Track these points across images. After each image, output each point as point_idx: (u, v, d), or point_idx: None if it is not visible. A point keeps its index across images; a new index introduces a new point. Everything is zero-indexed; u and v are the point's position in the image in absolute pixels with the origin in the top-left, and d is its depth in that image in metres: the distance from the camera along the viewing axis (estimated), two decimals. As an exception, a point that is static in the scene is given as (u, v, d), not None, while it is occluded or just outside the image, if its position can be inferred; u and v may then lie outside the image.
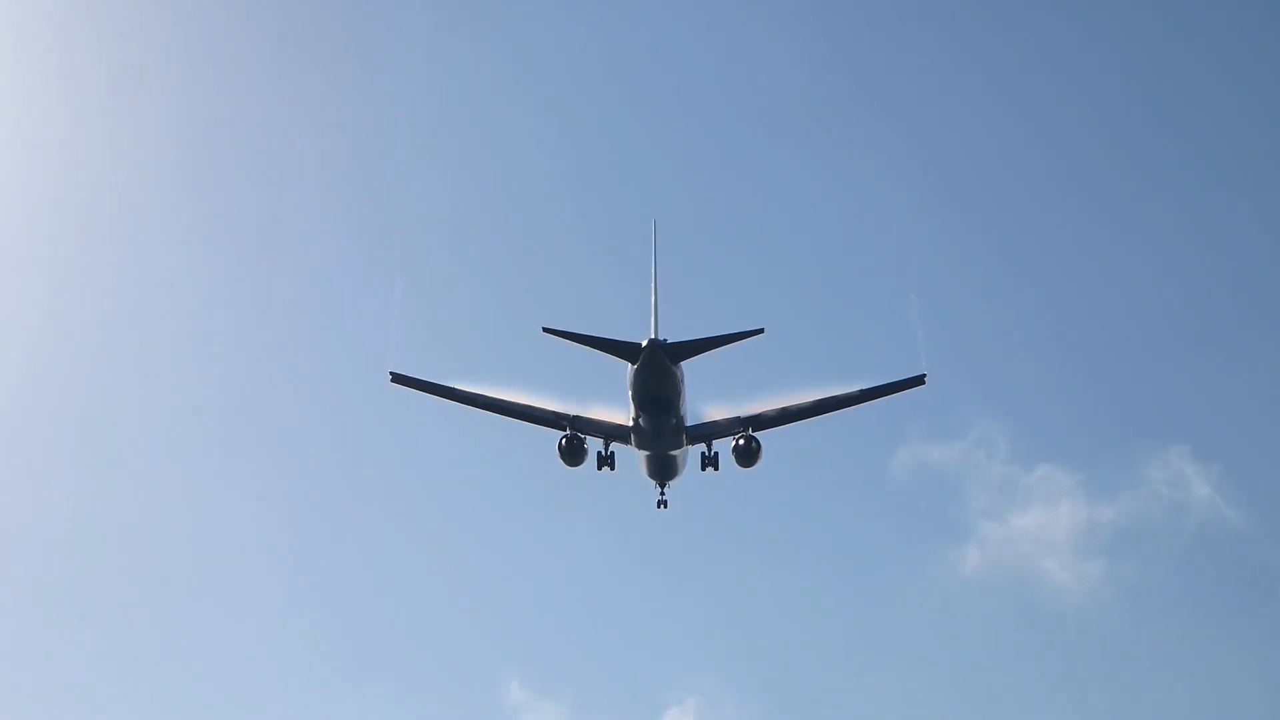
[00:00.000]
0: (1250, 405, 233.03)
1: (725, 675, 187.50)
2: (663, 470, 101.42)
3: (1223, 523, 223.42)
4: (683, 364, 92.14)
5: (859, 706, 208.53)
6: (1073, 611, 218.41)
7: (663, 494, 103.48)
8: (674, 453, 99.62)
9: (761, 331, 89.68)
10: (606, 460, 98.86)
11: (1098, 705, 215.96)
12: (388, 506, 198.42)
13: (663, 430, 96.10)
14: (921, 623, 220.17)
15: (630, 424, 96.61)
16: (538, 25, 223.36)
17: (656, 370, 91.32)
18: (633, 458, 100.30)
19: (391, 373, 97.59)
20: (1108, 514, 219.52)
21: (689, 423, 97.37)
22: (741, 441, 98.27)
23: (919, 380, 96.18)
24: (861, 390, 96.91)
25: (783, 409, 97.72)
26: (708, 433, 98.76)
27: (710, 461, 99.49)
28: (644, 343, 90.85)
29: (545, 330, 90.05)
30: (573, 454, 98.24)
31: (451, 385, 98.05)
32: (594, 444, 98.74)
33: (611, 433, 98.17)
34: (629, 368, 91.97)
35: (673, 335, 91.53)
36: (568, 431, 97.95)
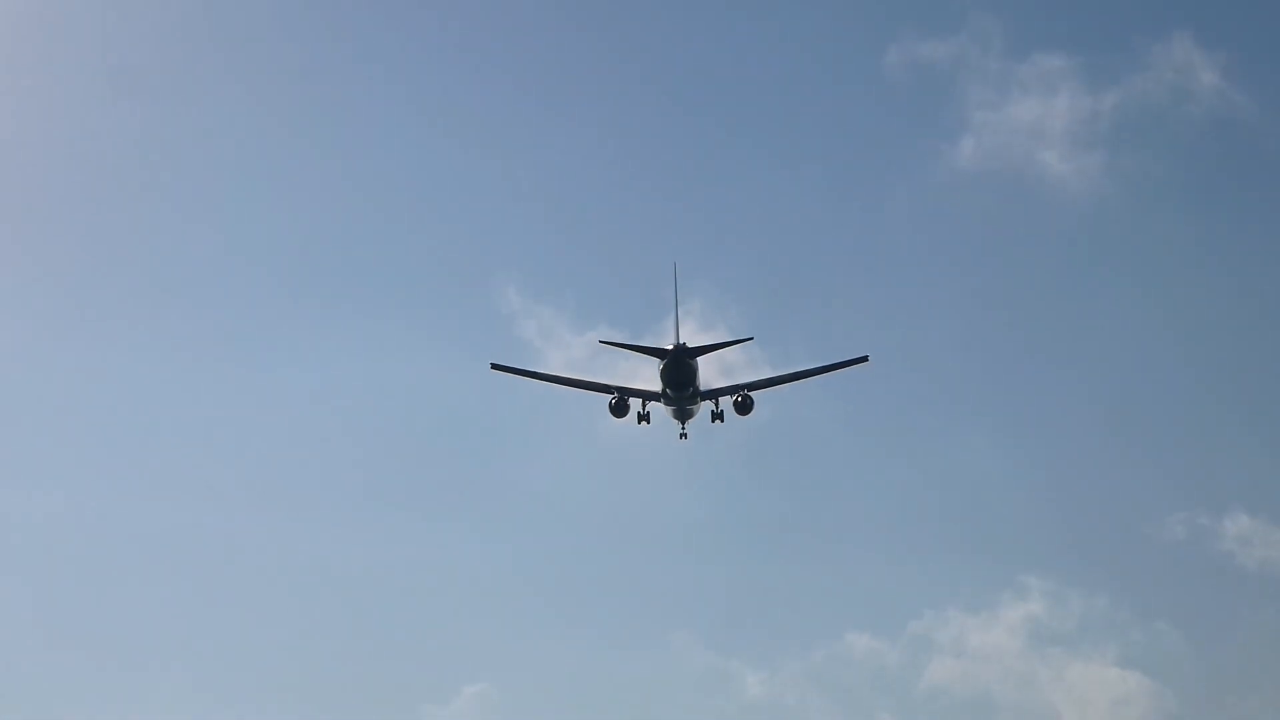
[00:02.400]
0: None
1: (722, 277, 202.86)
2: (683, 416, 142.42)
3: (1230, 111, 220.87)
4: (698, 359, 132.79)
5: (855, 301, 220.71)
6: (1071, 205, 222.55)
7: (683, 429, 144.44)
8: (691, 406, 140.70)
9: (752, 339, 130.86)
10: (644, 417, 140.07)
11: (1095, 302, 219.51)
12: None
13: (684, 398, 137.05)
14: (918, 217, 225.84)
15: (660, 392, 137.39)
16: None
17: (680, 366, 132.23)
18: (664, 413, 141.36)
19: (492, 363, 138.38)
20: (1109, 101, 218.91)
21: (702, 389, 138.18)
22: (739, 399, 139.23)
23: (863, 359, 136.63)
24: (821, 366, 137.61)
25: (766, 379, 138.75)
26: (716, 394, 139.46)
27: (718, 416, 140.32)
28: (670, 347, 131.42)
29: (601, 342, 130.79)
30: (619, 410, 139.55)
31: (535, 370, 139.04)
32: (634, 405, 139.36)
33: (646, 396, 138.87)
34: (659, 363, 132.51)
35: (690, 340, 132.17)
36: (615, 395, 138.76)
